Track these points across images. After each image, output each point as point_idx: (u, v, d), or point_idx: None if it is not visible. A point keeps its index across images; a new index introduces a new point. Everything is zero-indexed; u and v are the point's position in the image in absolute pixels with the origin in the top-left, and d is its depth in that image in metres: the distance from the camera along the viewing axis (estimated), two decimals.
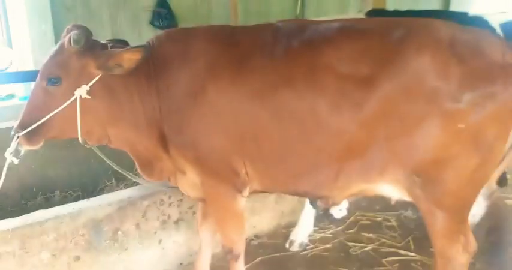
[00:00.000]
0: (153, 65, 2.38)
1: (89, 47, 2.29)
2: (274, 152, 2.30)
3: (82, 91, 2.28)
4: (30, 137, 2.34)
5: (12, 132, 2.35)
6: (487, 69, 2.01)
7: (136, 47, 2.28)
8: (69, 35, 2.26)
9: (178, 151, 2.42)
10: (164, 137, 2.42)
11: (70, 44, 2.24)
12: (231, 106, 2.26)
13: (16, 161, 2.35)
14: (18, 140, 2.33)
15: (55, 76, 2.28)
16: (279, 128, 2.23)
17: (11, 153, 2.33)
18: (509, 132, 2.13)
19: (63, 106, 2.28)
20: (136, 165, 2.61)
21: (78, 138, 2.42)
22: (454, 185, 2.12)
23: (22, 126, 2.34)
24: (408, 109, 2.05)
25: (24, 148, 2.38)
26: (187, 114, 2.32)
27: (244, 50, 2.31)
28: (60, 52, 2.31)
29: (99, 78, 2.30)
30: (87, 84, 2.29)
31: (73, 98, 2.28)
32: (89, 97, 2.29)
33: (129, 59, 2.24)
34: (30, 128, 2.31)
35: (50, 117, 2.30)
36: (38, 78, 2.34)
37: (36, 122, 2.30)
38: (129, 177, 2.79)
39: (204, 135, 2.32)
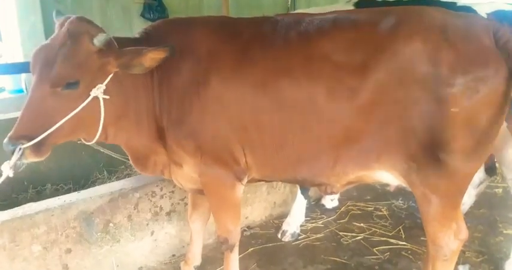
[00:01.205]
0: None
1: (107, 44, 2.16)
2: (274, 139, 2.31)
3: (99, 91, 2.15)
4: (39, 148, 2.09)
5: (9, 146, 2.05)
6: (478, 53, 2.02)
7: (163, 46, 2.18)
8: (89, 35, 2.10)
9: (177, 143, 2.40)
10: (161, 130, 2.41)
11: (93, 43, 2.10)
12: (233, 95, 2.27)
13: (12, 174, 2.08)
14: (21, 152, 2.05)
15: (74, 80, 2.09)
16: (279, 116, 2.26)
17: (10, 168, 2.06)
18: (504, 116, 2.15)
19: (78, 108, 2.12)
20: (130, 159, 2.58)
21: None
22: (449, 170, 2.14)
23: (26, 137, 2.06)
24: (402, 95, 2.07)
25: (30, 160, 2.12)
26: (189, 104, 2.31)
27: (245, 40, 2.33)
28: (76, 53, 2.09)
29: (112, 76, 2.20)
30: (102, 83, 2.16)
31: (89, 98, 2.13)
32: (107, 97, 2.18)
33: (153, 58, 2.16)
34: (41, 137, 2.06)
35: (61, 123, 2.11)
36: (45, 83, 2.07)
37: (45, 131, 2.07)
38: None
39: (206, 124, 2.31)
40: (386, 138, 2.17)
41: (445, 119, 2.05)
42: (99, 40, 2.10)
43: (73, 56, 2.08)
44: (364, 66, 2.11)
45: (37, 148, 2.09)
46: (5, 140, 2.06)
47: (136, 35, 2.44)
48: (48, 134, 2.09)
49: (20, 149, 2.05)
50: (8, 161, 2.06)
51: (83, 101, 2.13)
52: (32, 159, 2.11)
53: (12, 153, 2.05)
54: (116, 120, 2.31)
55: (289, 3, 8.18)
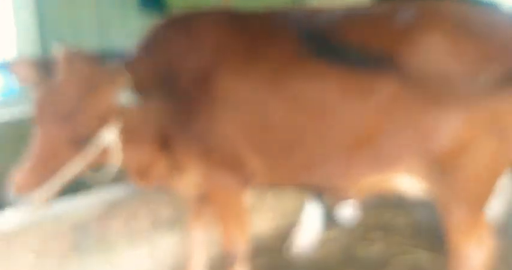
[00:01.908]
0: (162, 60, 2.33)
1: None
2: (285, 141, 2.27)
3: (110, 135, 2.11)
4: (53, 193, 2.10)
5: (20, 199, 2.02)
6: (502, 47, 1.97)
7: None
8: (113, 87, 2.05)
9: (183, 146, 2.36)
10: (165, 137, 2.36)
11: (118, 98, 2.05)
12: (241, 94, 2.24)
13: None
14: (31, 202, 2.04)
15: (95, 132, 2.07)
16: (290, 116, 2.22)
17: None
18: None
19: (93, 153, 2.08)
20: (131, 175, 2.50)
21: None
22: (473, 173, 2.07)
23: (37, 187, 2.03)
24: (421, 93, 2.01)
25: (39, 208, 2.13)
26: (196, 105, 2.28)
27: (254, 36, 2.31)
28: (99, 107, 2.05)
29: None
30: (116, 124, 2.12)
31: (104, 142, 2.10)
32: (116, 138, 2.14)
33: None
34: (56, 186, 2.05)
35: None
36: (62, 136, 2.01)
37: (58, 178, 2.05)
38: None
39: (213, 126, 2.28)
40: (405, 139, 2.10)
41: (467, 118, 1.98)
42: (126, 97, 2.06)
43: (95, 110, 2.04)
44: (380, 63, 2.05)
45: (51, 195, 2.09)
46: (13, 192, 2.01)
47: (139, 45, 2.39)
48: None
49: (31, 201, 2.03)
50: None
51: (95, 146, 2.09)
52: (42, 207, 2.11)
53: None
54: (123, 142, 2.25)
55: None
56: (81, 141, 2.04)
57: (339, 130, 2.18)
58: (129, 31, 6.57)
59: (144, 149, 2.36)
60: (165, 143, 2.38)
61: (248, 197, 2.53)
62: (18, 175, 2.01)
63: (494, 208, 3.37)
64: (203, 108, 2.27)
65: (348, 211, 3.86)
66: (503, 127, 1.99)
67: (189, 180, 2.49)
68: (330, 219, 3.81)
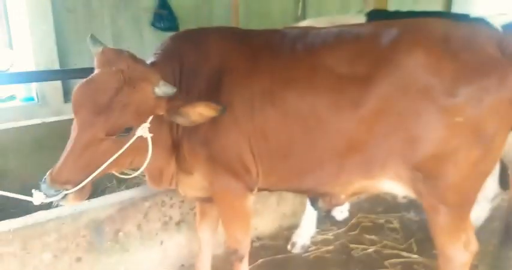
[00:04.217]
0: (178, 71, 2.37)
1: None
2: (280, 148, 2.33)
3: (144, 130, 2.11)
4: (82, 190, 2.06)
5: (53, 191, 1.97)
6: (481, 62, 2.03)
7: (215, 104, 2.14)
8: (150, 82, 2.04)
9: (190, 151, 2.40)
10: (175, 140, 2.42)
11: (154, 93, 2.05)
12: (244, 103, 2.29)
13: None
14: (63, 196, 2.01)
15: (131, 127, 2.06)
16: (284, 125, 2.28)
17: (41, 202, 1.99)
18: (510, 124, 2.14)
19: (124, 148, 2.07)
20: (147, 178, 2.58)
21: None
22: (456, 179, 2.14)
23: (70, 182, 2.00)
24: (404, 105, 2.09)
25: (70, 204, 2.08)
26: None
27: (255, 51, 2.38)
28: (135, 101, 2.02)
29: None
30: (147, 122, 2.12)
31: (135, 138, 2.09)
32: (151, 134, 2.14)
33: (201, 113, 2.11)
34: (87, 180, 2.03)
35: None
36: (98, 130, 1.98)
37: (90, 173, 2.03)
38: None
39: (217, 132, 2.32)
40: (390, 148, 2.17)
41: (449, 128, 2.06)
42: (162, 91, 2.06)
43: (131, 105, 2.01)
44: (367, 78, 2.13)
45: (80, 191, 2.06)
46: (46, 185, 1.98)
47: (152, 58, 2.42)
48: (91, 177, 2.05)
49: (64, 194, 2.00)
50: (41, 193, 1.98)
51: (129, 141, 2.08)
52: (73, 202, 2.07)
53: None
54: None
55: (299, 13, 8.16)
56: (117, 134, 2.01)
57: (329, 140, 2.24)
58: (142, 46, 6.74)
59: (159, 152, 2.34)
60: (175, 147, 2.43)
61: (252, 200, 2.58)
62: (54, 168, 1.99)
63: (478, 211, 3.46)
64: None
65: (342, 212, 3.97)
66: (486, 136, 2.06)
67: (196, 182, 2.54)
68: (325, 221, 3.93)
